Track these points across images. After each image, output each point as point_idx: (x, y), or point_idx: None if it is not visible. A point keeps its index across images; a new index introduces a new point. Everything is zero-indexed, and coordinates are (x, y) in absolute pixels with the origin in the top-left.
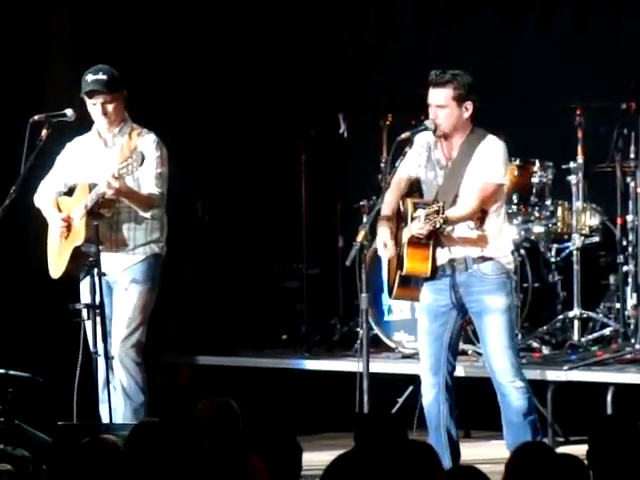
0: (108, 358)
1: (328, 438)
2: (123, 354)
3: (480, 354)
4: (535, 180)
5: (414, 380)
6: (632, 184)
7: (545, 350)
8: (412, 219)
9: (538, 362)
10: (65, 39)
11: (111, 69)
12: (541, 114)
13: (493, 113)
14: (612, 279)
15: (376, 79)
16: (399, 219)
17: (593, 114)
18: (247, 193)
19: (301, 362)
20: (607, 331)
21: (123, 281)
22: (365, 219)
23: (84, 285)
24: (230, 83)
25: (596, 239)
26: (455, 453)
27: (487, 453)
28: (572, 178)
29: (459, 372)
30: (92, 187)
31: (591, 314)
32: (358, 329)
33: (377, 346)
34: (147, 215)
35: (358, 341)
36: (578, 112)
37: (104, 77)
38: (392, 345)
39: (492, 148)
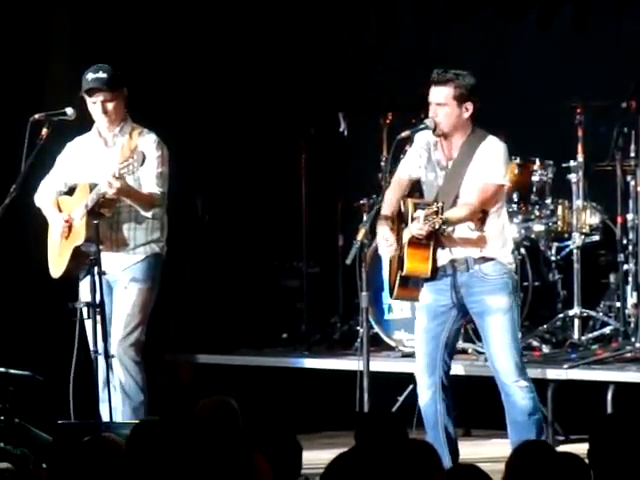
0: (108, 357)
1: (328, 437)
2: (122, 353)
3: (480, 353)
4: (535, 179)
5: (414, 379)
6: (632, 183)
7: (545, 349)
8: (412, 220)
9: (538, 361)
10: (65, 39)
11: (111, 68)
12: (541, 113)
13: (493, 113)
14: (612, 278)
15: (376, 79)
16: (400, 219)
17: (593, 113)
18: (247, 192)
19: (301, 361)
20: (607, 330)
21: (123, 280)
22: (365, 218)
23: (84, 284)
24: (230, 82)
25: (596, 238)
26: (454, 452)
27: (487, 452)
28: (572, 177)
29: (459, 371)
30: (93, 187)
31: (591, 313)
32: (358, 328)
33: (377, 345)
34: (148, 215)
35: (358, 340)
36: (578, 111)
37: (104, 75)
38: (392, 344)
39: (493, 149)
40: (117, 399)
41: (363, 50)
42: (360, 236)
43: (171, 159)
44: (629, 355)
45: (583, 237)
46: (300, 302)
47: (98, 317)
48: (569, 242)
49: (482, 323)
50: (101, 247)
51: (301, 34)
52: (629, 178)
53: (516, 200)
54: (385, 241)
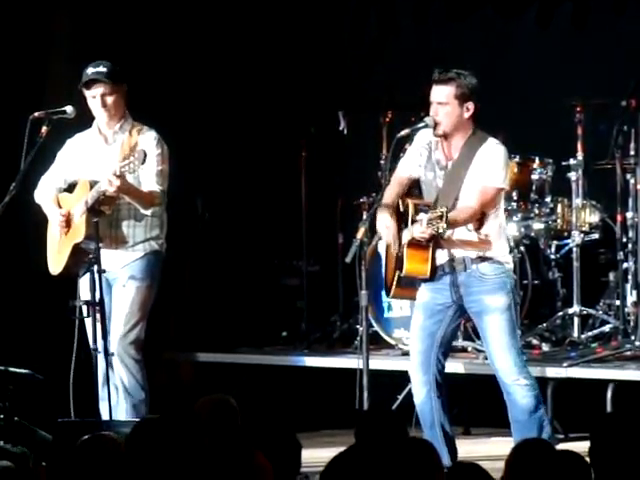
0: (108, 355)
1: (328, 435)
2: (122, 351)
3: (480, 351)
4: (535, 177)
5: None
6: (632, 181)
7: (545, 347)
8: (412, 221)
9: (538, 359)
10: (65, 39)
11: (112, 64)
12: (541, 111)
13: (493, 111)
14: (612, 276)
15: (376, 78)
16: (398, 217)
17: (593, 111)
18: (247, 190)
19: (301, 359)
20: (607, 328)
21: (122, 278)
22: (365, 216)
23: (83, 282)
24: (230, 81)
25: (596, 236)
26: (452, 449)
27: (487, 450)
28: (572, 175)
29: (459, 369)
30: (93, 184)
31: (591, 311)
32: (358, 326)
33: (377, 343)
34: (148, 213)
35: (358, 338)
36: (578, 109)
37: (104, 69)
38: (392, 342)
39: (493, 152)
40: (117, 397)
41: (363, 49)
42: (360, 234)
43: (171, 157)
44: (629, 353)
45: (583, 235)
46: (300, 300)
47: (98, 315)
48: (569, 240)
49: (480, 323)
50: (100, 244)
51: (301, 34)
52: (629, 176)
53: (516, 198)
54: (385, 228)
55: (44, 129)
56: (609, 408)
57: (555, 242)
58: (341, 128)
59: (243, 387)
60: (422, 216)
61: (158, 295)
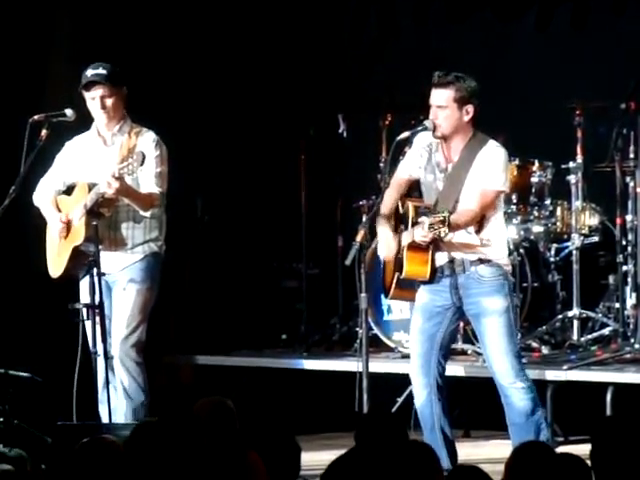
0: (108, 358)
1: (327, 438)
2: (123, 354)
3: (479, 354)
4: (534, 180)
5: None
6: (631, 184)
7: (544, 350)
8: (413, 224)
9: (537, 362)
10: (65, 39)
11: (111, 66)
12: (541, 114)
13: (493, 113)
14: (611, 279)
15: (376, 79)
16: (397, 219)
17: (593, 114)
18: (247, 192)
19: (300, 362)
20: (606, 331)
21: (122, 280)
22: (365, 219)
23: (83, 285)
24: (230, 82)
25: (595, 239)
26: (452, 452)
27: (487, 453)
28: (571, 178)
29: (459, 372)
30: (92, 186)
31: (590, 314)
32: (357, 329)
33: (377, 346)
34: (147, 214)
35: (357, 341)
36: (578, 112)
37: (104, 71)
38: (391, 345)
39: (493, 154)
40: (117, 400)
41: (363, 50)
42: (359, 237)
43: (170, 158)
44: (628, 356)
45: (582, 238)
46: (299, 303)
47: (97, 318)
48: (568, 243)
49: (478, 325)
50: (100, 247)
51: (301, 34)
52: (628, 179)
53: (515, 201)
54: (386, 248)
55: (44, 132)
56: (609, 411)
57: (555, 245)
58: (341, 130)
59: (243, 390)
60: (423, 219)
61: (158, 298)
